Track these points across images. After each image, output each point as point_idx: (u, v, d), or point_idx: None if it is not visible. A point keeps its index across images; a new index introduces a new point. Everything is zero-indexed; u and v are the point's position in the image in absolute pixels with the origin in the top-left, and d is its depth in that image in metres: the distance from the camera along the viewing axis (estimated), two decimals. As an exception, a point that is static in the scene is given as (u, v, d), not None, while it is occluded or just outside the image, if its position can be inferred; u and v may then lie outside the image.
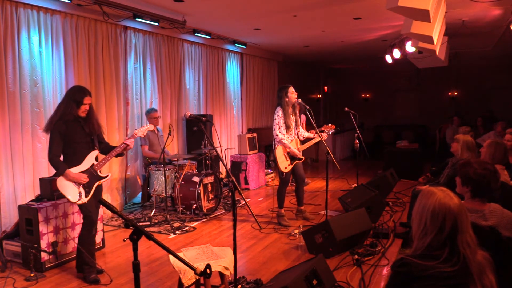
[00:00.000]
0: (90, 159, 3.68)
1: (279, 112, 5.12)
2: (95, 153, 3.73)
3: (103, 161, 3.73)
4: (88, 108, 3.64)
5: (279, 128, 5.10)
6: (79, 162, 3.61)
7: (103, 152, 3.80)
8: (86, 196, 3.59)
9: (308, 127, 6.76)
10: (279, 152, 5.12)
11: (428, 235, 1.65)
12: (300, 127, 5.45)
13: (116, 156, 3.78)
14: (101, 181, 3.74)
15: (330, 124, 5.70)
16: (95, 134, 3.72)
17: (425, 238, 1.66)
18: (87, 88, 3.74)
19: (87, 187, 3.61)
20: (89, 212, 3.64)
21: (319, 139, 5.28)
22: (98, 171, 3.71)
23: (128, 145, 3.74)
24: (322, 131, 5.48)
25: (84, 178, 3.57)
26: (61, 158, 3.61)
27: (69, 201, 3.57)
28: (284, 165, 5.14)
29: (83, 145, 3.65)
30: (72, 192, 3.54)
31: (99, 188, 3.77)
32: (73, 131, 3.57)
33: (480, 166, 2.48)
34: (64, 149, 3.58)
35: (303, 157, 5.29)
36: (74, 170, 3.56)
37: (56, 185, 3.54)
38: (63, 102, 3.61)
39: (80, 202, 3.56)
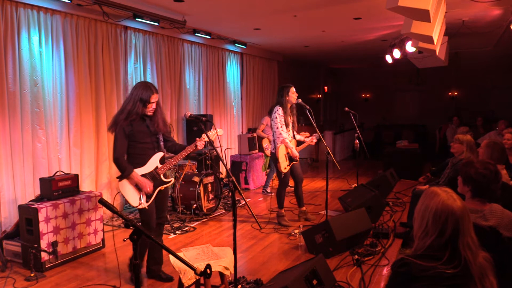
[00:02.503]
0: (154, 161, 3.49)
1: (279, 111, 5.06)
2: (160, 155, 3.54)
3: (168, 164, 3.53)
4: (155, 106, 3.46)
5: (281, 127, 5.03)
6: (143, 163, 3.44)
7: (170, 151, 3.65)
8: (147, 201, 3.41)
9: (308, 128, 6.76)
10: (281, 152, 5.08)
11: (429, 236, 1.65)
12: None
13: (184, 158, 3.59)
14: (164, 186, 3.54)
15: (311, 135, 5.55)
16: (160, 133, 3.54)
17: (426, 239, 1.66)
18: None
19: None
20: (147, 217, 3.47)
21: (311, 142, 5.34)
22: (162, 175, 3.52)
23: (197, 146, 3.52)
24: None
25: (149, 186, 3.40)
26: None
27: (129, 204, 3.40)
28: (284, 165, 5.12)
29: (148, 145, 3.47)
30: (133, 195, 3.37)
31: (163, 193, 3.61)
32: (138, 131, 3.40)
33: (481, 166, 2.48)
34: (128, 149, 3.41)
35: (298, 159, 5.24)
36: (137, 172, 3.39)
37: (118, 186, 3.38)
38: (129, 101, 3.38)
39: (140, 206, 3.39)
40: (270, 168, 7.25)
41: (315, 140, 5.40)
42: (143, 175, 3.41)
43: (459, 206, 1.64)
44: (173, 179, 3.65)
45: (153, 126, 3.48)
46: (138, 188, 3.39)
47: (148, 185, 3.39)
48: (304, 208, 5.54)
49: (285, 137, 5.03)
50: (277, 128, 5.03)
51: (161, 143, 3.56)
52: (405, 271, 1.62)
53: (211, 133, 3.61)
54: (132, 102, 3.37)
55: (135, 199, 3.38)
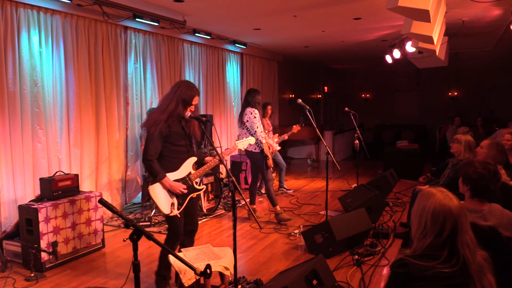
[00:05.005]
0: (187, 167, 3.29)
1: (255, 113, 5.27)
2: (193, 159, 3.33)
3: (201, 171, 3.31)
4: (194, 108, 3.25)
5: (260, 126, 5.28)
6: (176, 167, 3.23)
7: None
8: (178, 209, 3.21)
9: (308, 128, 6.82)
10: (266, 150, 5.32)
11: (428, 236, 1.65)
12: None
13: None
14: (196, 193, 3.34)
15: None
16: (193, 136, 3.35)
17: (425, 240, 1.66)
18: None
19: (181, 199, 3.23)
20: (176, 225, 3.27)
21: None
22: (194, 182, 3.31)
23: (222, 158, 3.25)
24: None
25: (183, 189, 3.19)
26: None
27: (160, 211, 3.21)
28: (271, 161, 5.38)
29: (182, 148, 3.27)
30: (164, 201, 3.15)
31: (194, 200, 3.41)
32: (175, 132, 3.20)
33: (481, 165, 2.49)
34: (161, 151, 3.20)
35: (273, 153, 5.79)
36: (170, 177, 3.18)
37: (149, 191, 3.15)
38: (172, 101, 3.16)
39: (171, 214, 3.18)
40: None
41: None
42: (175, 181, 3.20)
43: (456, 205, 1.65)
44: (204, 187, 3.44)
45: (189, 128, 3.29)
46: (171, 193, 3.18)
47: (181, 187, 3.19)
48: (254, 206, 5.76)
49: (265, 136, 5.34)
50: (257, 128, 5.24)
51: (194, 146, 3.39)
52: (404, 271, 1.62)
53: (243, 142, 3.55)
54: (174, 102, 3.16)
55: (167, 206, 3.16)
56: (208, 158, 3.42)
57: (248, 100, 5.40)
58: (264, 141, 5.27)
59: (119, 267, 3.99)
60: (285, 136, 6.66)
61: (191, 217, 3.43)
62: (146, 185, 5.89)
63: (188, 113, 3.22)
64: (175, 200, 3.20)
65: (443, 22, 5.09)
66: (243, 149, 3.67)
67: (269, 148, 5.48)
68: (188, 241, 3.46)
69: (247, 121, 5.29)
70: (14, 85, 4.51)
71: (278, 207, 5.37)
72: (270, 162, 5.33)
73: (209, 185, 5.83)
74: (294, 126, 6.72)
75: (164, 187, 3.15)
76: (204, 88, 7.83)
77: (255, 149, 5.31)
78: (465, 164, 2.58)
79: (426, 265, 1.59)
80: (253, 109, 5.28)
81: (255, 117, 5.23)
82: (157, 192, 3.14)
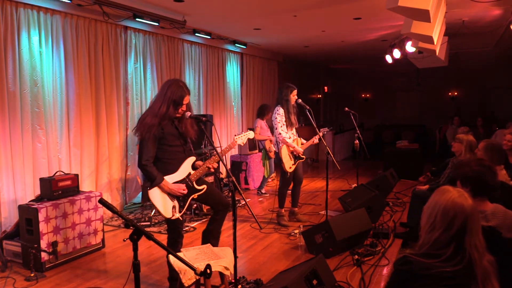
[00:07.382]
0: (186, 167, 3.23)
1: (279, 111, 5.02)
2: (192, 159, 3.27)
3: (201, 170, 3.25)
4: (185, 108, 3.20)
5: (281, 127, 5.00)
6: (174, 169, 3.18)
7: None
8: (180, 211, 3.17)
9: (308, 128, 6.76)
10: (284, 152, 5.02)
11: (435, 230, 1.65)
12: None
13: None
14: (196, 194, 3.27)
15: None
16: (188, 135, 3.29)
17: (433, 233, 1.66)
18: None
19: (182, 201, 3.18)
20: (177, 227, 3.28)
21: (312, 142, 5.26)
22: (194, 183, 3.25)
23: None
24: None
25: (183, 189, 3.13)
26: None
27: (161, 215, 3.15)
28: (289, 164, 5.05)
29: (178, 148, 3.22)
30: (166, 205, 3.10)
31: (208, 189, 3.33)
32: (168, 133, 3.15)
33: (475, 163, 2.50)
34: (157, 153, 3.15)
35: (304, 157, 5.21)
36: (169, 179, 3.13)
37: (148, 196, 3.09)
38: (163, 104, 3.10)
39: (173, 218, 3.14)
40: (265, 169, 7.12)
41: (316, 141, 5.30)
42: (175, 183, 3.16)
43: (470, 205, 1.65)
44: (205, 186, 3.33)
45: (182, 127, 3.25)
46: (171, 196, 3.14)
47: (181, 188, 3.14)
48: (296, 209, 5.47)
49: (285, 136, 4.99)
50: (276, 128, 5.00)
51: (191, 145, 3.35)
52: (406, 269, 1.62)
53: (242, 136, 3.51)
54: (166, 105, 3.10)
55: (168, 210, 3.11)
56: (198, 163, 3.33)
57: (276, 98, 5.19)
58: (280, 144, 4.98)
59: (119, 267, 3.99)
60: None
61: (215, 200, 3.38)
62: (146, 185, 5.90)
63: (188, 113, 3.20)
64: (176, 203, 3.16)
65: (443, 22, 5.09)
66: (242, 144, 3.61)
67: (292, 152, 5.06)
68: (221, 217, 3.41)
69: (272, 120, 5.11)
70: (14, 85, 4.51)
71: (282, 210, 5.34)
72: (285, 166, 5.00)
73: (209, 185, 5.82)
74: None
75: (164, 190, 3.11)
76: (204, 88, 7.83)
77: (277, 149, 5.10)
78: (459, 167, 2.57)
79: (430, 263, 1.59)
80: (279, 107, 5.06)
81: (276, 118, 5.02)
82: (157, 196, 3.11)
